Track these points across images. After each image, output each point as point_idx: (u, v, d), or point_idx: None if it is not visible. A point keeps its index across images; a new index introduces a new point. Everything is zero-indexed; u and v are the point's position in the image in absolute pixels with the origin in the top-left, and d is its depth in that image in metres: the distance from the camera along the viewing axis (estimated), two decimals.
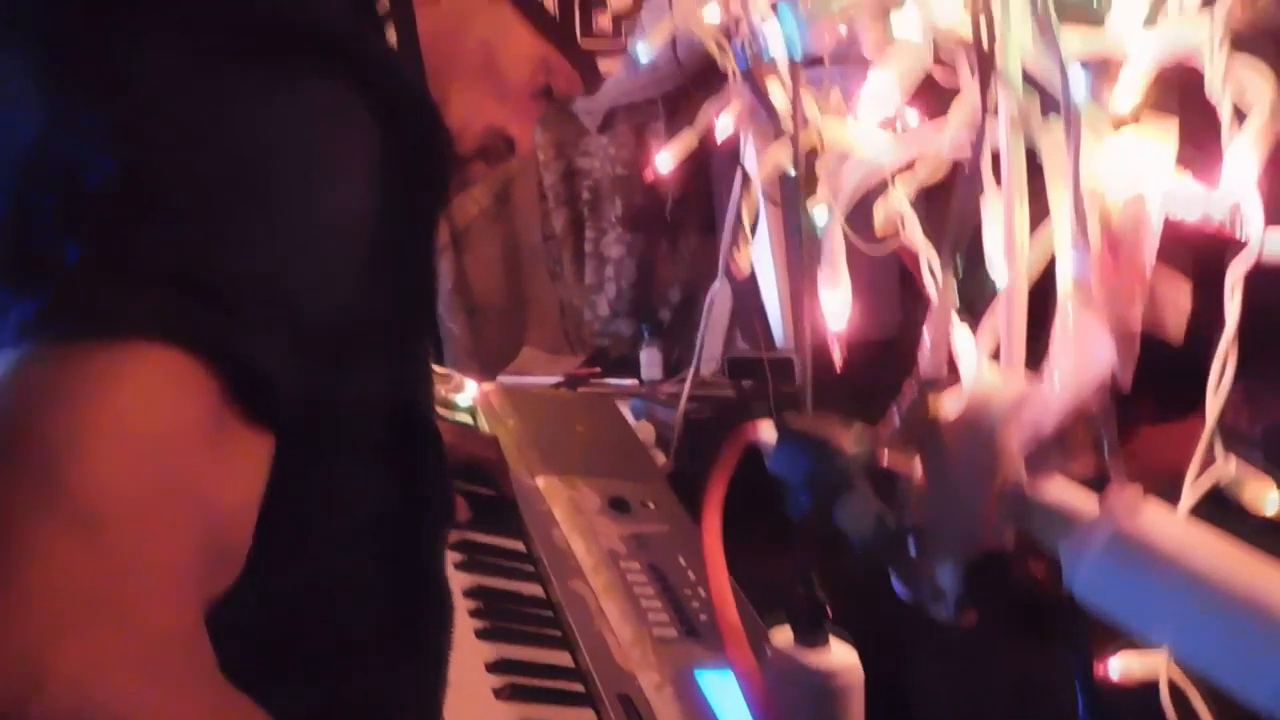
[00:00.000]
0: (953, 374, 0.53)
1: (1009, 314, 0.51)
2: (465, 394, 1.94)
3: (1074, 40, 0.63)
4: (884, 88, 0.56)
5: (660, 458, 2.02)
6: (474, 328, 2.55)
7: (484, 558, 1.31)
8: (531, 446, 1.76)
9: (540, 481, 1.62)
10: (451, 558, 1.22)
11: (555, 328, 2.69)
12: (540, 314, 2.65)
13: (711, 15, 0.89)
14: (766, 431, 0.57)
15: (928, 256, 0.60)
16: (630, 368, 2.42)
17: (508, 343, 2.63)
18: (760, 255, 2.28)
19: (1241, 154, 0.54)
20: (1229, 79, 0.57)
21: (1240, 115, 0.59)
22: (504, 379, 2.38)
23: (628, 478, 1.76)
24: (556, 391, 2.26)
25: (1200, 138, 0.56)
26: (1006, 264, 0.51)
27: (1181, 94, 0.58)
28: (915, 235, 0.60)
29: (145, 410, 0.47)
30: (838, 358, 0.59)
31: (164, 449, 0.47)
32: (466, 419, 1.90)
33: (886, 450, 0.50)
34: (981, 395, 0.49)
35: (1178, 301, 0.51)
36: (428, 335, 0.84)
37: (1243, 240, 0.53)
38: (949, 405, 0.50)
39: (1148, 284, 0.50)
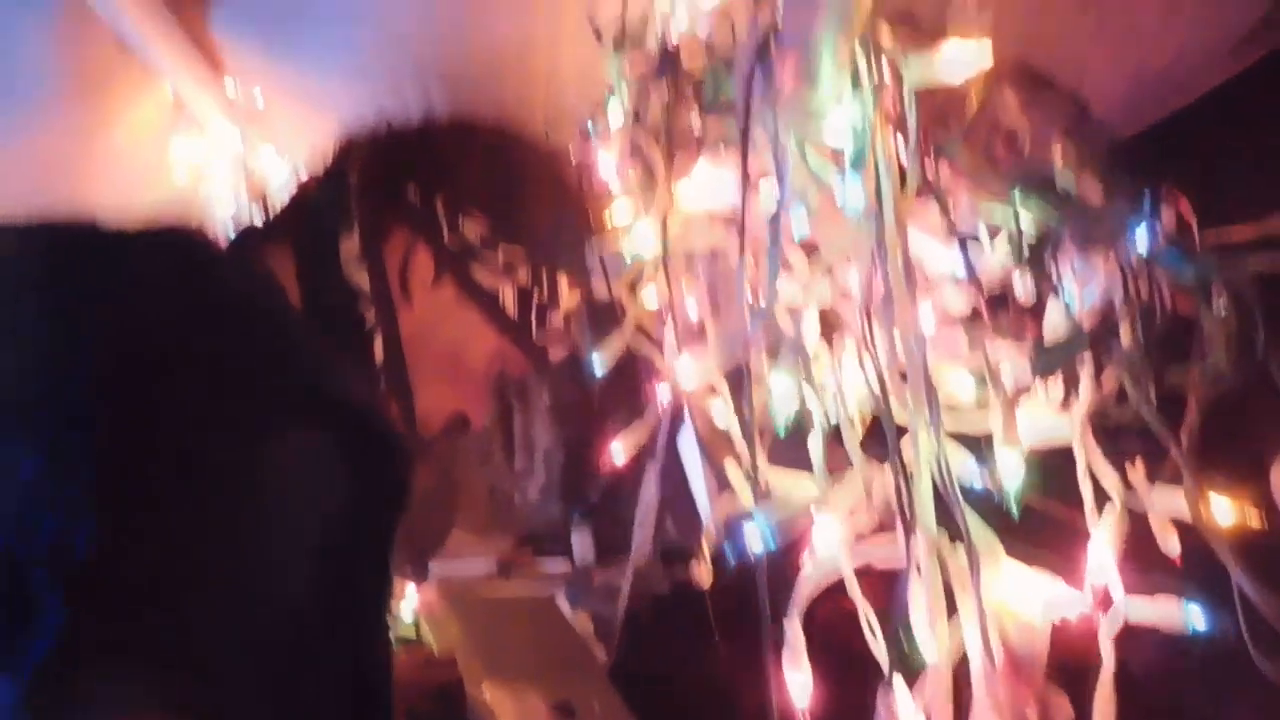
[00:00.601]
0: None
1: (935, 700, 0.64)
2: (407, 603, 1.99)
3: (958, 422, 0.79)
4: (831, 533, 0.70)
5: (600, 651, 2.09)
6: (405, 516, 2.59)
7: None
8: (476, 654, 1.81)
9: (487, 692, 1.67)
10: None
11: (484, 510, 2.74)
12: (469, 498, 2.71)
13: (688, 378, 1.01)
14: None
15: (865, 614, 0.73)
16: (561, 546, 2.48)
17: (438, 528, 2.67)
18: (686, 446, 2.40)
19: (1102, 541, 0.70)
20: (1091, 469, 0.73)
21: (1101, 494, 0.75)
22: (437, 567, 2.42)
23: (571, 678, 1.82)
24: (495, 586, 2.31)
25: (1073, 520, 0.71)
26: (930, 662, 0.64)
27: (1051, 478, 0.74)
28: (854, 594, 0.73)
29: None
30: None
31: None
32: (410, 633, 1.95)
33: None
34: None
35: (1063, 704, 0.65)
36: (385, 616, 0.92)
37: (1109, 611, 0.68)
38: None
39: (1040, 692, 0.63)
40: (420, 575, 2.17)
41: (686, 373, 0.71)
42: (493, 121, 1.11)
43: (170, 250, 0.87)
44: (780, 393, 0.64)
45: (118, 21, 1.36)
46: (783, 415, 0.65)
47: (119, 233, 0.86)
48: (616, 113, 1.12)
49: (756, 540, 0.59)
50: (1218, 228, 0.84)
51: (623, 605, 2.08)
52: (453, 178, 0.99)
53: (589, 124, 1.19)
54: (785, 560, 0.77)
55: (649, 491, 2.20)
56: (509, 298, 1.00)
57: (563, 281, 1.04)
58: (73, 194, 1.81)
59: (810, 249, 0.74)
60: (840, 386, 0.71)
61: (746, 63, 0.63)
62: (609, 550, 2.47)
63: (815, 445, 0.71)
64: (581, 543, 2.44)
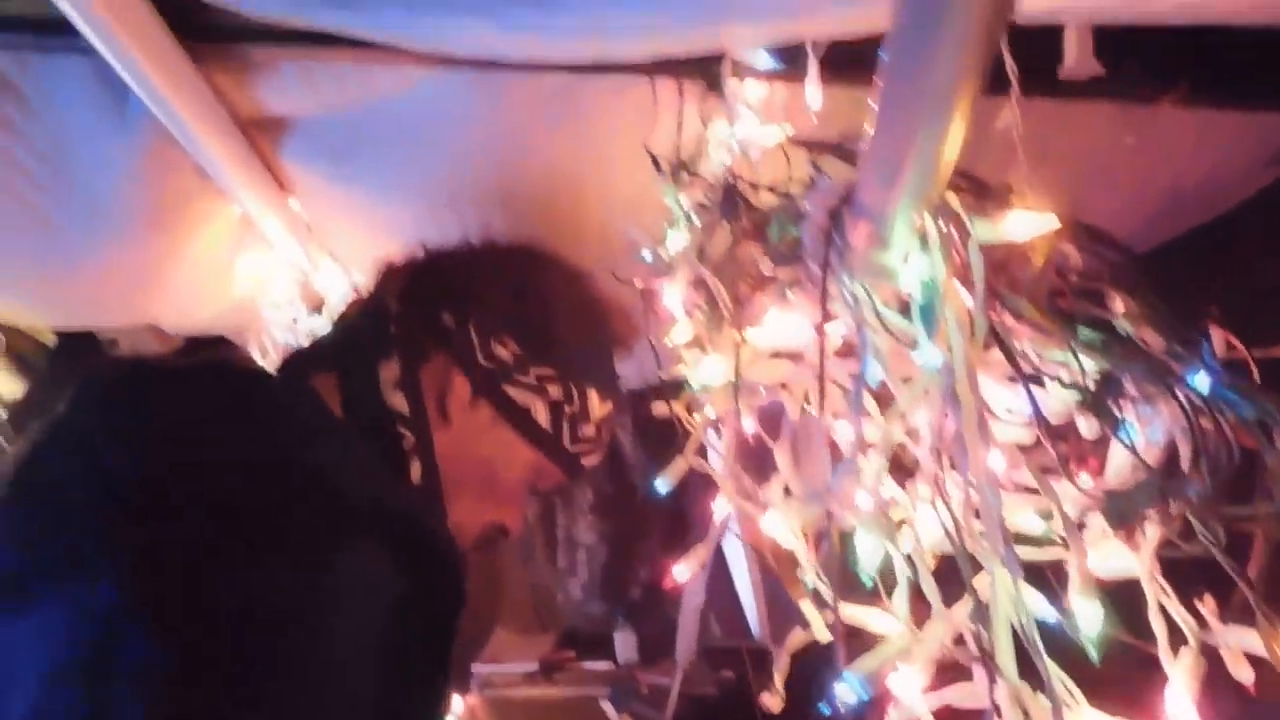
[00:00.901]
0: None
1: None
2: (450, 712, 1.98)
3: (1032, 552, 0.81)
4: (914, 685, 0.72)
5: None
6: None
7: None
8: None
9: None
10: None
11: (526, 609, 2.74)
12: (511, 597, 2.72)
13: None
14: None
15: None
16: (604, 647, 2.47)
17: (480, 628, 2.67)
18: (730, 546, 2.40)
19: (1178, 681, 0.71)
20: (1164, 606, 0.75)
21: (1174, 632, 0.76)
22: (479, 669, 2.42)
23: None
24: (538, 688, 2.29)
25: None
26: None
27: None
28: None
29: None
30: None
31: None
32: None
33: None
34: None
35: None
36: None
37: None
38: None
39: None
40: (462, 685, 2.16)
41: (773, 524, 0.74)
42: (523, 246, 1.17)
43: (226, 380, 0.91)
44: (866, 549, 0.66)
45: (200, 152, 1.44)
46: (869, 569, 0.67)
47: (178, 364, 0.91)
48: (677, 241, 1.17)
49: (849, 693, 0.61)
50: (1265, 347, 0.87)
51: (670, 709, 2.06)
52: (485, 303, 1.05)
53: (647, 252, 1.24)
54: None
55: (694, 592, 2.20)
56: (542, 413, 1.04)
57: (592, 393, 1.08)
58: (146, 305, 1.89)
59: (879, 393, 0.78)
60: (915, 528, 0.74)
61: (821, 234, 0.67)
62: (653, 650, 2.46)
63: (900, 599, 0.73)
64: (625, 643, 2.43)
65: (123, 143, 1.40)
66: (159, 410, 0.84)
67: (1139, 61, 1.26)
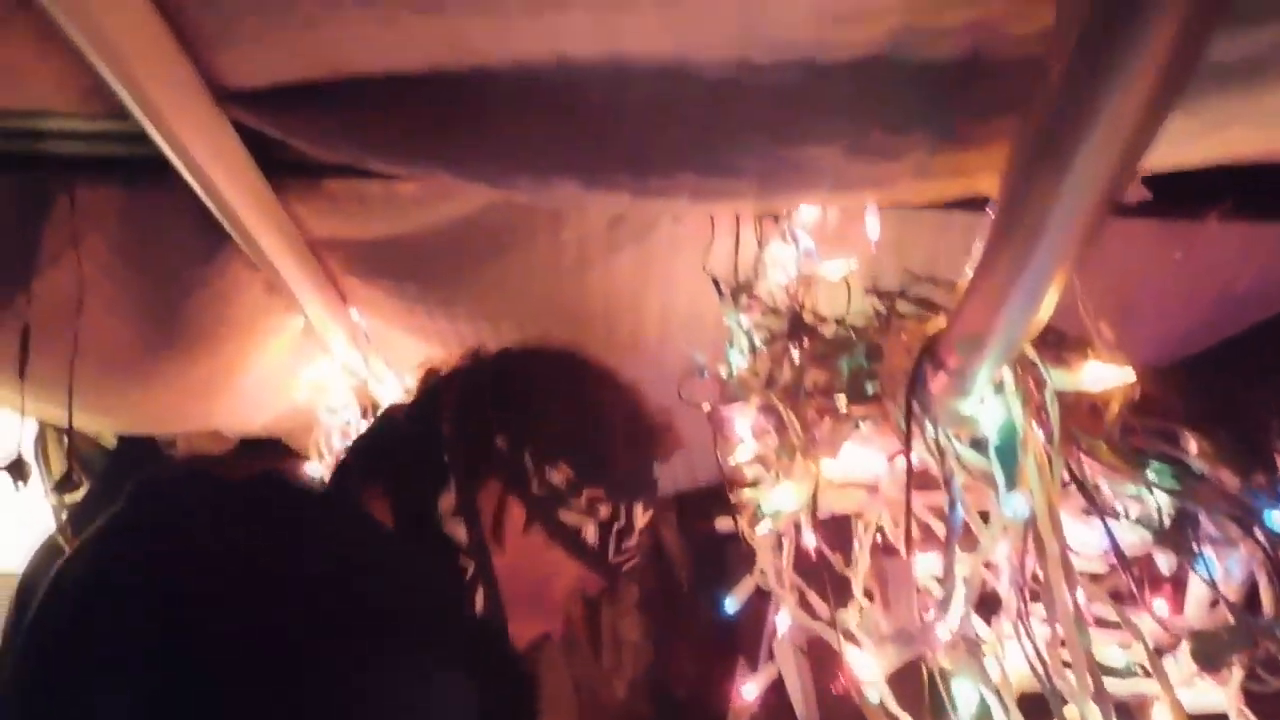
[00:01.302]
0: None
1: None
2: None
3: (1113, 684, 0.82)
4: None
5: None
6: None
7: None
8: None
9: None
10: None
11: (571, 708, 2.71)
12: (554, 695, 2.69)
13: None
14: None
15: None
16: None
17: None
18: (782, 656, 2.37)
19: None
20: None
21: None
22: None
23: None
24: None
25: None
26: None
27: None
28: None
29: None
30: None
31: None
32: None
33: None
34: None
35: None
36: None
37: None
38: None
39: None
40: None
41: (861, 665, 0.76)
42: (578, 364, 1.19)
43: (291, 499, 0.93)
44: (963, 697, 0.68)
45: (274, 272, 1.51)
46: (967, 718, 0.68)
47: (237, 477, 0.92)
48: (737, 361, 1.21)
49: None
50: None
51: None
52: (538, 428, 1.06)
53: (705, 370, 1.28)
54: None
55: (746, 695, 2.17)
56: (591, 532, 1.06)
57: (638, 508, 1.10)
58: (212, 413, 1.94)
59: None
60: (1003, 665, 0.75)
61: (903, 382, 0.71)
62: None
63: None
64: None
65: (208, 267, 1.47)
66: (220, 529, 0.85)
67: (1183, 181, 1.29)
